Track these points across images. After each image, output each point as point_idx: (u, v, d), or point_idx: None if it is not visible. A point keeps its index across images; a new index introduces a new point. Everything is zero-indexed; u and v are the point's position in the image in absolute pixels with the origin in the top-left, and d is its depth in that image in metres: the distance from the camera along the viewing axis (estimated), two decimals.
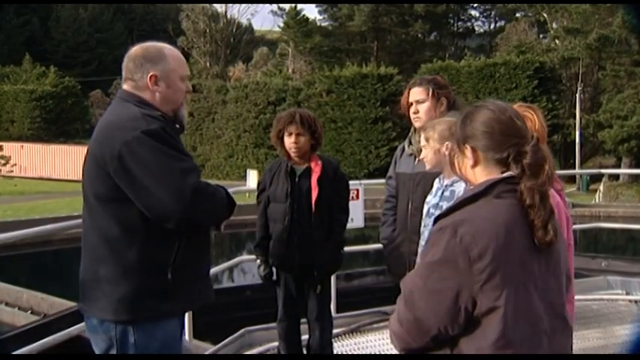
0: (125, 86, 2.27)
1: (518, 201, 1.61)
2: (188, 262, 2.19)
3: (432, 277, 1.57)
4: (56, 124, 40.89)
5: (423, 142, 2.85)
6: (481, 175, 1.70)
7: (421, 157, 2.88)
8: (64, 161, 32.96)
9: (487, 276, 1.52)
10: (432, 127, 2.81)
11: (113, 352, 2.12)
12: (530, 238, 1.59)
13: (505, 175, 1.65)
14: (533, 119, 2.65)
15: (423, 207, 3.10)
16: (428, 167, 2.85)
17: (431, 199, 2.90)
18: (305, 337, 3.69)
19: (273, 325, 3.77)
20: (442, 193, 2.82)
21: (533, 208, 1.59)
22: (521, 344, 1.55)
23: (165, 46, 2.31)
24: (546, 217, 1.59)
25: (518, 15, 46.83)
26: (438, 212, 2.74)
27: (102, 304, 2.12)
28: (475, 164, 1.71)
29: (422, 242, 2.87)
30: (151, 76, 2.22)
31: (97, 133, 2.17)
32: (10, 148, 32.28)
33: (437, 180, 2.92)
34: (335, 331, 4.13)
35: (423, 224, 2.93)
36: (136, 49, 2.28)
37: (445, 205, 2.72)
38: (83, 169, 2.24)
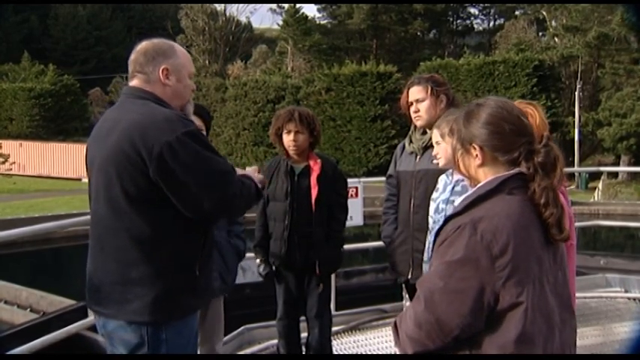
0: (135, 82, 2.22)
1: (529, 196, 1.61)
2: (207, 257, 2.23)
3: (454, 276, 1.54)
4: (55, 122, 40.85)
5: (437, 139, 2.82)
6: (489, 173, 1.69)
7: (434, 153, 2.86)
8: (63, 159, 32.96)
9: (509, 272, 1.52)
10: (448, 123, 2.70)
11: (144, 350, 2.10)
12: (542, 233, 1.60)
13: (515, 171, 1.64)
14: (535, 115, 2.64)
15: (425, 204, 3.10)
16: (442, 164, 2.83)
17: (439, 195, 2.88)
18: (304, 334, 3.69)
19: (273, 322, 3.77)
20: (453, 188, 2.81)
21: (547, 207, 1.59)
22: (539, 338, 1.56)
23: (174, 43, 2.32)
24: (558, 215, 1.60)
25: (517, 13, 46.85)
26: (449, 207, 2.72)
27: (134, 306, 2.08)
28: (483, 164, 1.69)
29: (430, 239, 2.85)
30: (164, 69, 2.20)
31: (122, 131, 2.07)
32: (8, 146, 32.20)
33: (443, 176, 2.91)
34: (334, 328, 4.14)
35: (432, 221, 2.92)
36: (145, 44, 2.25)
37: (457, 199, 2.70)
38: (94, 168, 2.17)
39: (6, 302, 7.96)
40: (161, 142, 2.01)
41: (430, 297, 1.57)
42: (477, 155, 1.69)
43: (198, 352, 3.20)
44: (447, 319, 1.54)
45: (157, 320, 2.09)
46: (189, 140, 2.05)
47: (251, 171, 2.39)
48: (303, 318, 3.66)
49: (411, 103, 3.28)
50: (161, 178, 2.03)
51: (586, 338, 4.42)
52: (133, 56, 2.24)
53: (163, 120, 2.06)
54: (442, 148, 2.77)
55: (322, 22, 49.17)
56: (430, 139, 3.19)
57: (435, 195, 2.92)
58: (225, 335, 4.12)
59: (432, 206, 2.92)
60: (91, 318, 3.86)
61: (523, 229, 1.56)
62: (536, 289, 1.55)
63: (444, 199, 2.83)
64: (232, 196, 2.13)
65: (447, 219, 1.66)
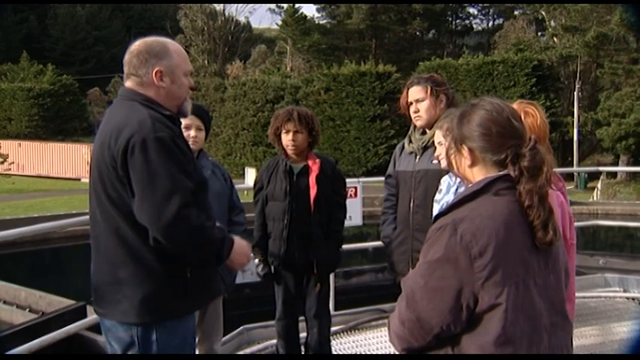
0: (129, 83, 2.22)
1: (517, 198, 1.61)
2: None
3: (434, 275, 1.56)
4: (54, 122, 40.83)
5: (439, 139, 2.81)
6: (479, 174, 1.70)
7: (436, 154, 2.85)
8: (62, 159, 32.91)
9: (488, 273, 1.53)
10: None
11: (134, 350, 2.11)
12: (529, 235, 1.60)
13: (503, 172, 1.65)
14: (536, 115, 2.64)
15: (425, 204, 3.09)
16: (444, 165, 2.82)
17: (443, 197, 2.86)
18: (303, 334, 3.69)
19: (272, 322, 3.77)
20: (456, 190, 2.80)
21: (532, 209, 1.59)
22: (521, 340, 1.55)
23: (168, 41, 2.27)
24: (545, 218, 1.59)
25: (516, 13, 46.87)
26: None
27: (123, 307, 2.09)
28: (473, 164, 1.71)
29: None
30: (157, 71, 2.17)
31: (104, 134, 2.11)
32: (7, 146, 32.21)
33: (446, 177, 2.88)
34: (333, 328, 4.14)
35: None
36: (138, 45, 2.21)
37: None
38: (90, 170, 2.21)
39: (5, 302, 7.97)
40: (126, 141, 2.02)
41: (412, 295, 1.60)
42: (466, 156, 1.71)
43: (197, 352, 3.20)
44: (427, 317, 1.56)
45: (145, 321, 2.10)
46: (153, 146, 2.01)
47: (240, 245, 2.23)
48: (302, 318, 3.66)
49: (411, 103, 3.27)
50: (124, 175, 2.04)
51: (585, 338, 4.43)
52: (126, 57, 2.22)
53: (137, 122, 2.06)
54: (444, 149, 2.76)
55: (321, 22, 49.17)
56: (430, 139, 3.19)
57: (438, 196, 2.91)
58: (224, 335, 4.13)
59: (436, 208, 2.90)
60: (90, 318, 3.87)
61: (507, 230, 1.56)
62: (519, 290, 1.55)
63: (447, 200, 2.81)
64: (169, 220, 1.97)
65: (434, 219, 1.68)
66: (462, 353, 1.58)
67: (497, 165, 1.67)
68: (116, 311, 2.11)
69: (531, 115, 2.62)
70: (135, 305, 2.08)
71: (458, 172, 1.78)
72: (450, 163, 1.80)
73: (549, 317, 1.62)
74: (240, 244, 2.23)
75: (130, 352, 2.12)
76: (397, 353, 1.68)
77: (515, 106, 2.60)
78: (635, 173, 27.14)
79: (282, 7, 47.96)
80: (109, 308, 2.14)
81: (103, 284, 2.15)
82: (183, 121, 2.91)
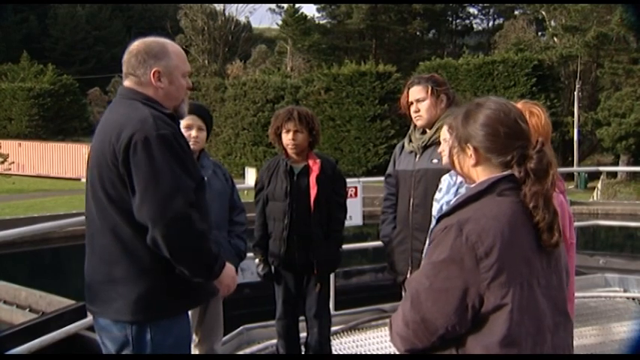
0: (127, 83, 2.22)
1: (521, 199, 1.61)
2: None
3: (439, 276, 1.55)
4: (54, 122, 40.86)
5: (444, 136, 2.80)
6: (483, 174, 1.69)
7: (439, 150, 2.85)
8: (62, 159, 32.92)
9: (494, 274, 1.52)
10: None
11: (128, 349, 2.11)
12: (533, 236, 1.60)
13: (507, 172, 1.64)
14: (540, 116, 2.64)
15: (424, 204, 3.08)
16: (445, 162, 2.81)
17: (443, 196, 2.85)
18: (303, 334, 3.69)
19: (272, 322, 3.77)
20: (457, 190, 2.80)
21: (538, 211, 1.59)
22: (526, 341, 1.55)
23: (168, 42, 2.27)
24: (551, 219, 1.59)
25: (516, 13, 46.91)
26: None
27: (117, 305, 2.09)
28: (477, 164, 1.70)
29: (429, 239, 2.83)
30: (155, 72, 2.18)
31: (104, 132, 2.12)
32: (7, 145, 32.20)
33: (447, 177, 2.88)
34: (333, 328, 4.14)
35: (434, 221, 2.89)
36: (137, 45, 2.22)
37: None
38: (88, 168, 2.21)
39: (5, 302, 7.98)
40: (128, 139, 2.02)
41: (416, 296, 1.59)
42: (471, 155, 1.70)
43: (198, 352, 3.20)
44: (431, 318, 1.55)
45: (139, 320, 2.09)
46: (156, 143, 2.02)
47: (230, 268, 2.26)
48: (302, 318, 3.66)
49: (412, 103, 3.28)
50: (125, 172, 2.04)
51: (585, 338, 4.43)
52: (125, 57, 2.23)
53: (138, 120, 2.06)
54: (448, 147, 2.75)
55: (321, 22, 49.21)
56: (430, 138, 3.20)
57: (438, 195, 2.91)
58: (224, 335, 4.13)
59: (436, 207, 2.90)
60: (90, 318, 3.85)
61: (511, 230, 1.56)
62: (524, 291, 1.55)
63: (447, 200, 2.81)
64: (172, 218, 1.99)
65: (438, 219, 1.68)
66: (467, 354, 1.57)
67: (502, 166, 1.66)
68: (110, 309, 2.11)
69: (536, 115, 2.63)
70: (129, 303, 2.08)
71: (461, 172, 1.77)
72: (452, 162, 1.79)
73: (552, 317, 1.62)
74: (230, 267, 2.26)
75: (124, 351, 2.12)
76: (398, 353, 1.68)
77: (519, 105, 2.60)
78: (635, 173, 27.16)
79: (282, 7, 48.01)
80: (103, 307, 2.14)
81: (96, 282, 2.16)
82: (185, 121, 2.91)
